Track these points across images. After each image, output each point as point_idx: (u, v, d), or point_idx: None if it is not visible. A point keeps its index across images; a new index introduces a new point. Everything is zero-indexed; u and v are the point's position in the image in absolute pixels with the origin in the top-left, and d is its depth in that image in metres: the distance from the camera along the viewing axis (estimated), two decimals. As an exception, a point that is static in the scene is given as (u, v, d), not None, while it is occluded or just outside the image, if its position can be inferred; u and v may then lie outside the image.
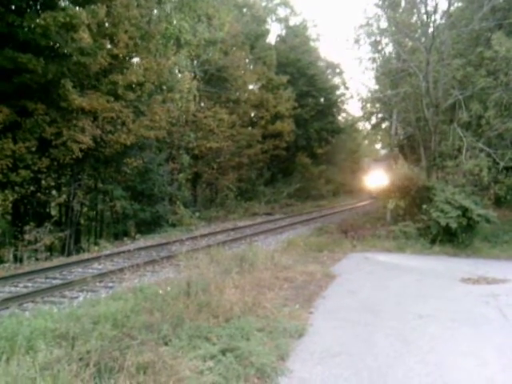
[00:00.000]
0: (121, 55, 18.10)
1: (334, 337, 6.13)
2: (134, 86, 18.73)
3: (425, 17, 18.12)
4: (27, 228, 14.50)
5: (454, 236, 13.87)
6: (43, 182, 17.05)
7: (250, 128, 34.67)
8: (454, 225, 13.38)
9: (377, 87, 24.09)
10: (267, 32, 38.70)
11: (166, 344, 5.33)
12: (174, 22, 18.49)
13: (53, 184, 17.90)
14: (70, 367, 4.34)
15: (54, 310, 6.73)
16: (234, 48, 31.06)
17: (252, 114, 35.17)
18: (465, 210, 13.50)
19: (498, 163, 15.74)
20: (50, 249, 16.11)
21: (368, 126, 32.44)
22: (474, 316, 7.17)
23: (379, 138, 36.18)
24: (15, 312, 6.67)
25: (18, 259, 13.51)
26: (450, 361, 5.37)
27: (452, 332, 6.37)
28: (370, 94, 24.12)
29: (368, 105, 25.09)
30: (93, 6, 15.11)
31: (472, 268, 10.97)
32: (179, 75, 23.15)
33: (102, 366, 4.46)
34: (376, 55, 21.91)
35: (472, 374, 5.02)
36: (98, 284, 9.64)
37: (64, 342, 5.10)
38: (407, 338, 6.10)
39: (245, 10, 36.58)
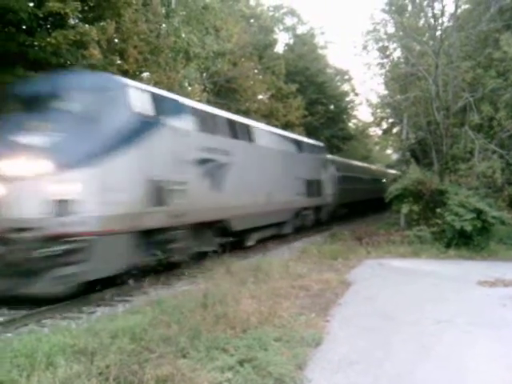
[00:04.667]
0: (131, 70, 18.24)
1: (351, 344, 6.11)
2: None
3: (432, 20, 18.18)
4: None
5: (469, 239, 13.79)
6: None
7: (261, 138, 34.72)
8: (468, 228, 13.31)
9: (386, 92, 24.13)
10: (275, 41, 38.85)
11: (184, 356, 5.35)
12: (183, 36, 18.66)
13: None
14: (89, 382, 4.38)
15: (72, 326, 6.78)
16: (243, 59, 31.18)
17: (262, 124, 35.23)
18: (479, 213, 13.44)
19: (510, 164, 15.67)
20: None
21: (379, 132, 32.49)
22: (492, 319, 7.13)
23: (390, 142, 36.00)
24: (34, 329, 6.73)
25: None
26: (470, 366, 5.33)
27: (471, 336, 6.33)
28: (379, 100, 24.17)
29: (378, 110, 25.13)
30: (102, 23, 15.30)
31: (488, 271, 10.88)
32: (189, 88, 23.30)
33: (121, 379, 4.49)
34: (384, 60, 22.01)
35: (494, 379, 4.98)
36: (114, 298, 9.68)
37: (83, 357, 5.13)
38: (425, 343, 6.07)
39: (252, 20, 36.75)
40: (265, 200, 16.03)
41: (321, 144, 26.07)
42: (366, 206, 34.97)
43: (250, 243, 15.59)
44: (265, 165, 16.52)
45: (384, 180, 41.40)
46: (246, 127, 15.97)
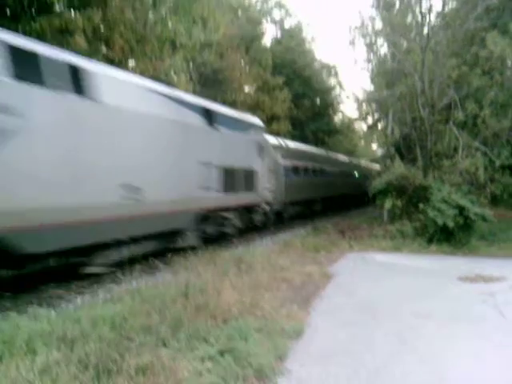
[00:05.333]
0: (117, 59, 18.10)
1: (332, 337, 6.14)
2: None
3: (419, 17, 18.21)
4: None
5: (451, 235, 13.90)
6: None
7: (246, 130, 34.69)
8: (450, 224, 13.42)
9: (372, 88, 24.22)
10: (262, 34, 38.73)
11: (165, 345, 5.34)
12: (170, 25, 18.51)
13: None
14: (68, 370, 4.36)
15: (52, 313, 6.72)
16: (230, 50, 31.06)
17: (248, 116, 35.17)
18: (461, 209, 13.55)
19: (493, 162, 15.86)
20: None
21: (364, 127, 32.61)
22: (471, 314, 7.20)
23: (375, 138, 36.01)
24: (13, 315, 6.66)
25: None
26: (449, 360, 5.38)
27: (450, 331, 6.39)
28: (365, 95, 24.25)
29: (364, 105, 25.22)
30: (88, 10, 15.12)
31: (469, 266, 10.98)
32: (175, 78, 23.15)
33: (100, 368, 4.48)
34: (371, 56, 22.03)
35: (471, 373, 5.04)
36: (95, 286, 9.62)
37: (63, 344, 5.10)
38: (405, 337, 6.12)
39: (240, 12, 36.58)
40: (120, 197, 9.70)
41: (255, 120, 18.10)
42: (332, 204, 30.23)
43: (93, 270, 9.78)
44: (122, 140, 9.90)
45: (356, 174, 38.18)
46: (69, 68, 8.95)
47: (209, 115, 13.68)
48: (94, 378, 4.35)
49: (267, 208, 18.14)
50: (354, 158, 40.87)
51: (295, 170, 22.78)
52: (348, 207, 32.67)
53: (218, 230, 14.38)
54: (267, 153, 18.10)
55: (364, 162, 42.92)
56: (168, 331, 5.64)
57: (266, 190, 17.81)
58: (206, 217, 13.42)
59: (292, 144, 24.54)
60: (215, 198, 13.63)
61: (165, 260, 11.32)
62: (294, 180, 22.32)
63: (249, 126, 16.84)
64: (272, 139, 20.59)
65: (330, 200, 29.74)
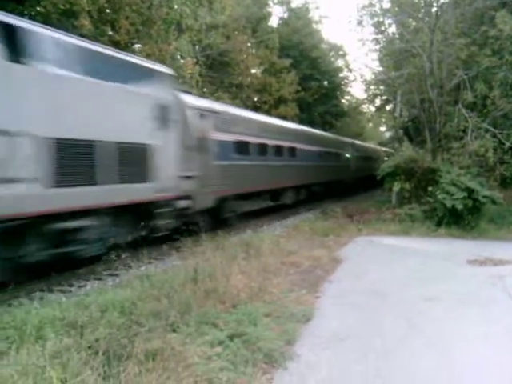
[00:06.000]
0: (122, 42, 17.98)
1: (341, 321, 6.14)
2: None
3: (428, -5, 17.96)
4: None
5: (459, 218, 13.83)
6: None
7: (253, 113, 34.52)
8: (459, 206, 13.35)
9: (380, 69, 23.96)
10: (269, 15, 38.41)
11: (174, 331, 5.35)
12: (175, 7, 18.36)
13: None
14: (79, 355, 4.36)
15: (62, 299, 6.76)
16: (236, 32, 30.81)
17: (255, 99, 34.97)
18: (470, 192, 13.46)
19: (503, 144, 15.69)
20: None
21: (372, 109, 32.29)
22: (480, 298, 7.17)
23: (384, 120, 35.61)
24: (24, 301, 6.70)
25: None
26: (458, 343, 5.36)
27: (459, 314, 6.37)
28: (373, 76, 24.02)
29: (372, 87, 24.98)
30: (93, -8, 15.01)
31: (478, 250, 10.92)
32: (181, 61, 23.03)
33: (110, 353, 4.48)
34: (379, 36, 21.76)
35: (480, 357, 5.01)
36: (104, 272, 9.65)
37: (73, 330, 5.13)
38: (414, 321, 6.10)
39: (246, -7, 36.24)
40: None
41: (154, 66, 11.43)
42: (312, 195, 24.36)
43: None
44: None
45: (348, 155, 32.70)
46: None
47: (9, 37, 7.29)
48: (105, 363, 4.36)
49: (186, 205, 12.10)
50: (347, 137, 35.17)
51: (241, 147, 16.12)
52: (336, 197, 26.87)
53: (55, 251, 8.33)
54: (182, 120, 11.90)
55: (361, 142, 41.47)
56: (177, 316, 5.64)
57: (179, 179, 11.56)
58: (16, 231, 7.50)
59: (236, 111, 17.66)
60: (34, 196, 7.62)
61: (174, 245, 11.35)
62: (241, 163, 15.88)
63: (137, 73, 10.47)
64: (196, 100, 13.86)
65: (310, 189, 24.12)
